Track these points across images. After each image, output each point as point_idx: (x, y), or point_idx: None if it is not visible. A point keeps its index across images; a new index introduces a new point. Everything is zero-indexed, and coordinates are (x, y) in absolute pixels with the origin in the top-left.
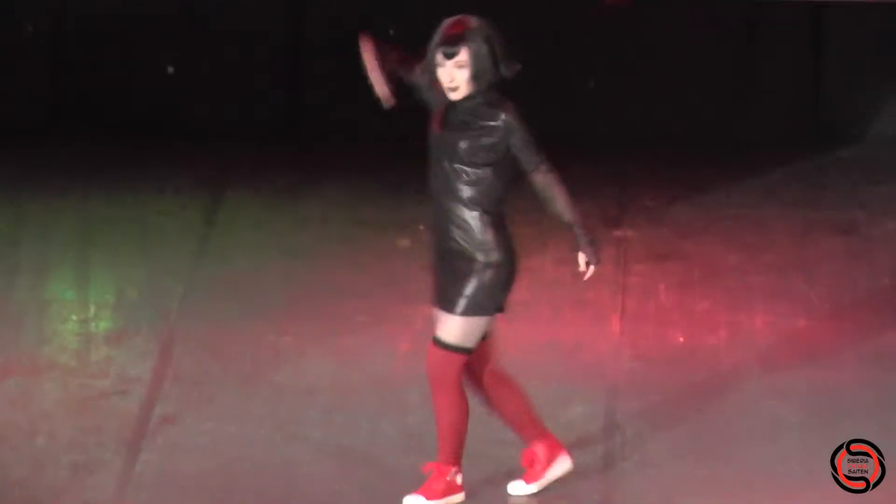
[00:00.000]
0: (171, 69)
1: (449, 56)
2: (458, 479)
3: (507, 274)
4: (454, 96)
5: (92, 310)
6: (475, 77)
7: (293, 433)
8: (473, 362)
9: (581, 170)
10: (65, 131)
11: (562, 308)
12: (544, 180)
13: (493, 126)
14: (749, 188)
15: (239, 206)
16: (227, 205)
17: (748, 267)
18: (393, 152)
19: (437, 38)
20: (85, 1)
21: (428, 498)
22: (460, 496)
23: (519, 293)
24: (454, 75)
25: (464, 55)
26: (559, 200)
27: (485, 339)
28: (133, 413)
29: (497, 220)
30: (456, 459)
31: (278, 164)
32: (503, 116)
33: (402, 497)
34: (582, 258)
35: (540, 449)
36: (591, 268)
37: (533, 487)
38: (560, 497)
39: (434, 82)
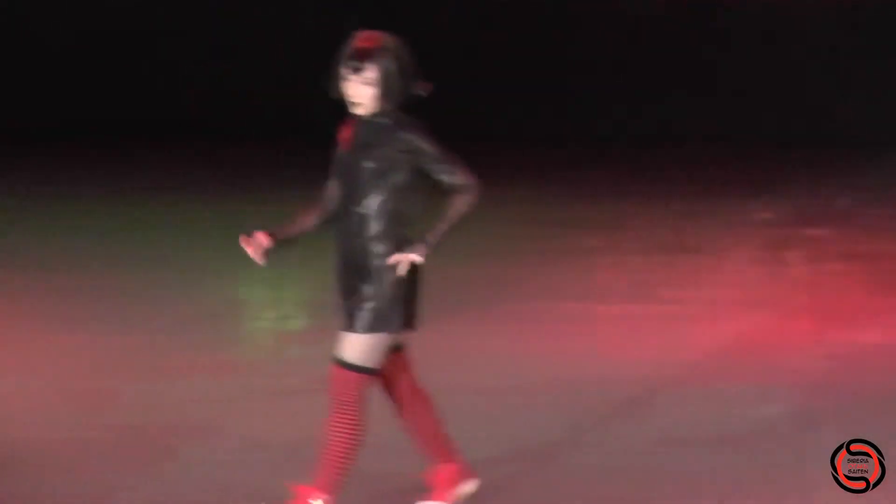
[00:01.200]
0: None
1: (355, 71)
2: None
3: (407, 291)
4: (357, 111)
5: (284, 309)
6: (383, 96)
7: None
8: (390, 373)
9: (774, 168)
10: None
11: (751, 307)
12: (460, 193)
13: (398, 147)
14: None
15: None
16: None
17: None
18: (573, 155)
19: (345, 50)
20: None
21: None
22: None
23: (707, 292)
24: (359, 91)
25: (371, 72)
26: (453, 208)
27: (398, 350)
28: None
29: (401, 238)
30: (332, 489)
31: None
32: (409, 137)
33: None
34: (414, 252)
35: (445, 470)
36: (407, 259)
37: None
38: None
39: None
